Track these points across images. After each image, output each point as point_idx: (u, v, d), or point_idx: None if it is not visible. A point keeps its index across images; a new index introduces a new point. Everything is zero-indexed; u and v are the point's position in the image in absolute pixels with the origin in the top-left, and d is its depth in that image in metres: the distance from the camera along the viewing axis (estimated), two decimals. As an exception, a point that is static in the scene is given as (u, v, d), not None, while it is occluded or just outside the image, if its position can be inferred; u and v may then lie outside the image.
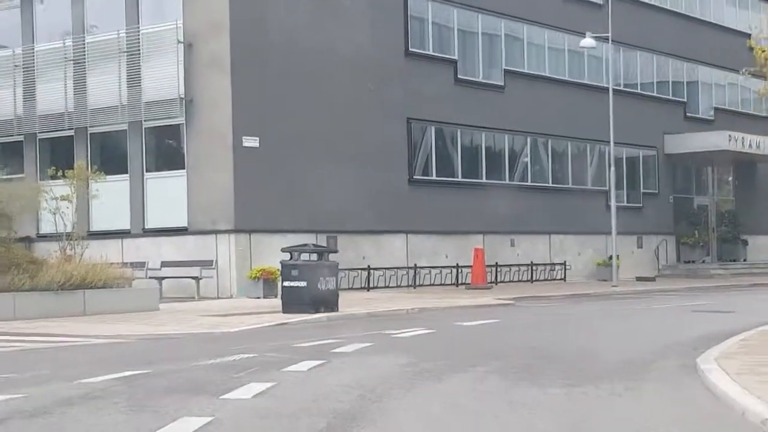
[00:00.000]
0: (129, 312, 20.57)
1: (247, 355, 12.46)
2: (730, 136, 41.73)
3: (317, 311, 19.38)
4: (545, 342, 14.44)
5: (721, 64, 45.51)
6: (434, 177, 32.76)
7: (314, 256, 19.86)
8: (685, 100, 43.93)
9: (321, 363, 11.44)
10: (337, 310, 19.83)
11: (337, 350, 12.84)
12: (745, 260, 45.23)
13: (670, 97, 43.23)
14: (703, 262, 43.04)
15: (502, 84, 35.19)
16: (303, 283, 19.37)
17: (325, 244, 28.19)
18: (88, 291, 20.53)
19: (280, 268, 20.41)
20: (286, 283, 19.56)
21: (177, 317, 19.83)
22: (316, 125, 28.80)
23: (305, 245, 20.13)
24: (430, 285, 31.73)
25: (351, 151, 29.72)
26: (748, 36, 47.18)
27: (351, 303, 22.96)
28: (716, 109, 45.42)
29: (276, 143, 27.85)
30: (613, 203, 33.21)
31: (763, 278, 40.30)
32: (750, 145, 42.72)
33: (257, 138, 27.26)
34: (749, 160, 45.71)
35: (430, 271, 32.03)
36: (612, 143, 33.96)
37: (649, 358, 12.13)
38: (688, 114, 43.94)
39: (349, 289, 28.89)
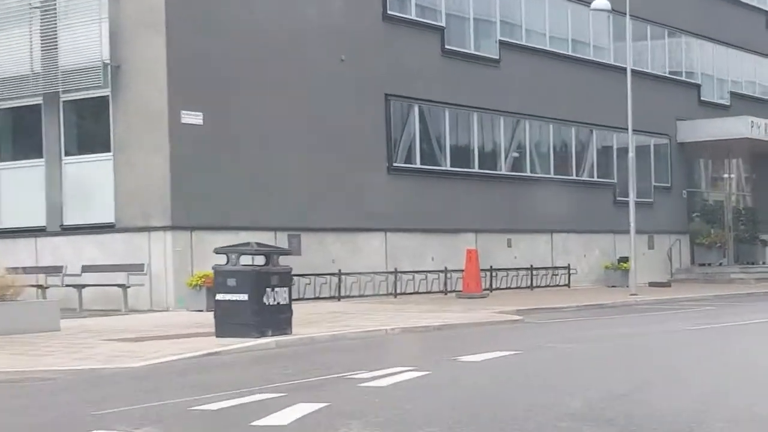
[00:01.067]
0: (18, 333, 15.42)
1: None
2: (752, 122, 36.76)
3: (262, 335, 14.21)
4: (635, 405, 8.46)
5: (739, 44, 40.64)
6: (418, 165, 27.62)
7: (260, 260, 14.66)
8: (699, 82, 38.90)
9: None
10: (290, 333, 14.66)
11: (262, 423, 7.61)
12: (764, 263, 40.23)
13: (684, 78, 38.21)
14: (720, 264, 38.02)
15: (497, 57, 30.08)
16: (243, 296, 14.21)
17: (286, 244, 23.08)
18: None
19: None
20: (220, 296, 14.37)
21: (74, 342, 14.64)
22: (276, 101, 23.69)
23: (247, 244, 14.88)
24: (414, 293, 26.62)
25: (319, 133, 24.62)
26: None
27: (313, 319, 17.81)
28: (732, 94, 40.41)
29: (226, 121, 22.72)
30: (632, 195, 28.06)
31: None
32: (773, 133, 37.76)
33: (200, 114, 22.10)
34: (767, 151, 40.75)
35: (413, 277, 26.88)
36: (630, 129, 28.82)
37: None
38: (702, 98, 38.92)
39: (315, 298, 23.78)
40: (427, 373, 10.35)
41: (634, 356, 12.93)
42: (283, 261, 15.19)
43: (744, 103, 40.13)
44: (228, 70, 22.69)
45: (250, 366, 12.13)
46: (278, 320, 14.49)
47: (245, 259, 14.58)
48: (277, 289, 14.40)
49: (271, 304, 14.33)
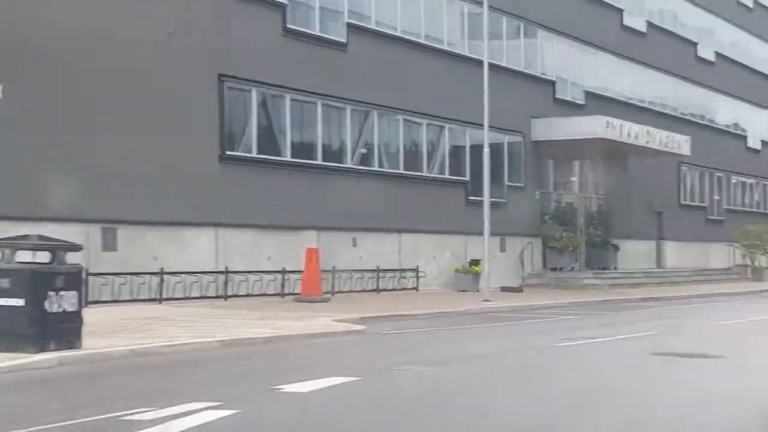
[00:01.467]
0: None
1: None
2: (608, 122, 35.38)
3: (43, 349, 11.41)
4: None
5: (595, 42, 39.34)
6: (255, 155, 24.99)
7: (43, 256, 11.82)
8: (554, 79, 37.36)
9: None
10: (79, 347, 11.88)
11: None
12: (615, 268, 39.02)
13: (539, 74, 36.59)
14: (572, 269, 36.55)
15: (345, 41, 27.69)
16: (18, 301, 11.38)
17: (100, 238, 20.19)
18: None
19: None
20: (-11, 301, 11.47)
21: None
22: (94, 77, 20.75)
23: (25, 237, 12.01)
24: (247, 295, 23.98)
25: (142, 114, 21.73)
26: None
27: (118, 327, 15.06)
28: (587, 93, 39.03)
29: (34, 97, 19.67)
30: (486, 193, 26.03)
31: (644, 289, 34.12)
32: (628, 134, 36.49)
33: (-1, 85, 19.00)
34: (622, 154, 39.59)
35: (247, 278, 24.23)
36: (486, 122, 26.75)
37: None
38: (557, 96, 37.40)
39: (132, 301, 20.94)
40: (231, 413, 7.72)
41: (509, 385, 10.52)
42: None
43: (599, 103, 38.81)
44: (34, 39, 19.64)
45: (12, 394, 9.36)
46: (64, 331, 11.70)
47: (24, 256, 11.71)
48: (63, 292, 11.60)
49: (54, 311, 11.53)
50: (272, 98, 25.61)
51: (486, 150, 26.06)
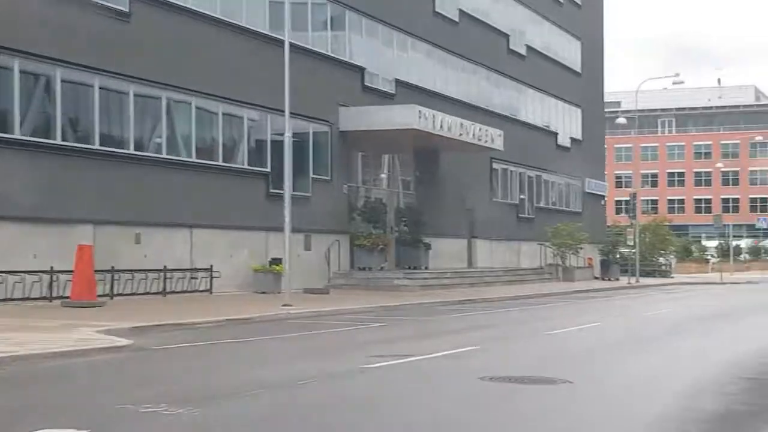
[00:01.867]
0: None
1: None
2: (420, 112, 33.09)
3: None
4: None
5: (407, 29, 37.10)
6: (17, 136, 21.39)
7: None
8: (363, 66, 34.85)
9: None
10: None
11: None
12: (426, 268, 36.83)
13: (347, 60, 34.01)
14: (381, 269, 34.14)
15: (127, 10, 24.33)
16: None
17: None
18: None
19: None
20: None
21: None
22: None
23: None
24: (6, 300, 20.46)
25: None
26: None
27: None
28: (398, 82, 36.71)
29: None
30: (287, 183, 23.08)
31: (457, 290, 32.06)
32: (441, 126, 34.33)
33: None
34: (434, 147, 37.51)
35: (4, 279, 20.65)
36: (288, 109, 23.78)
37: None
38: (366, 84, 34.91)
39: None
40: None
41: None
42: None
43: (410, 93, 36.56)
44: None
45: None
46: None
47: None
48: None
49: None
50: (36, 71, 22.03)
51: (287, 135, 23.20)
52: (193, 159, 26.64)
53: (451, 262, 39.50)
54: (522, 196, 47.48)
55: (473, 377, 10.67)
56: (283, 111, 24.23)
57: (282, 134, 25.36)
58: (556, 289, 36.29)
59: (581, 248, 46.74)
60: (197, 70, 26.51)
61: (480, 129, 37.43)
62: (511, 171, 46.33)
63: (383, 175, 37.50)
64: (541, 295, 32.58)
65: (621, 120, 55.96)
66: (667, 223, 63.97)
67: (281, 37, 24.89)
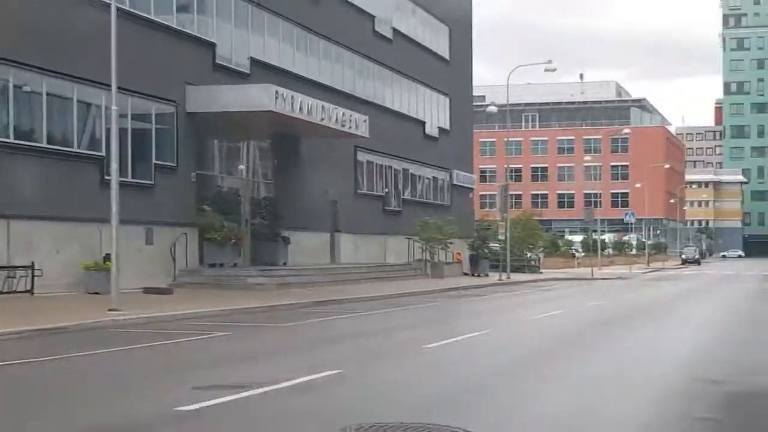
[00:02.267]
0: None
1: None
2: (277, 92, 29.83)
3: None
4: None
5: (262, 2, 33.79)
6: None
7: None
8: (214, 41, 31.42)
9: None
10: None
11: None
12: (285, 264, 33.64)
13: (196, 34, 30.53)
14: (235, 265, 30.82)
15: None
16: None
17: None
18: None
19: None
20: None
21: None
22: None
23: None
24: None
25: None
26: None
27: None
28: (253, 60, 33.38)
29: None
30: (114, 166, 19.48)
31: (319, 289, 28.99)
32: (300, 108, 31.16)
33: None
34: (294, 133, 34.40)
35: None
36: (114, 82, 20.15)
37: None
38: (218, 62, 31.49)
39: None
40: None
41: None
42: None
43: (267, 73, 33.25)
44: None
45: None
46: None
47: None
48: None
49: None
50: None
51: (114, 109, 19.59)
52: (12, 139, 22.87)
53: (313, 258, 36.41)
54: (387, 189, 44.68)
55: (330, 428, 7.53)
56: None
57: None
58: (426, 287, 33.51)
59: (451, 243, 44.16)
60: (13, 36, 22.77)
61: (344, 114, 34.43)
62: (377, 161, 43.48)
63: (242, 167, 34.14)
64: (411, 294, 29.74)
65: (492, 108, 53.61)
66: (537, 218, 62.17)
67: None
